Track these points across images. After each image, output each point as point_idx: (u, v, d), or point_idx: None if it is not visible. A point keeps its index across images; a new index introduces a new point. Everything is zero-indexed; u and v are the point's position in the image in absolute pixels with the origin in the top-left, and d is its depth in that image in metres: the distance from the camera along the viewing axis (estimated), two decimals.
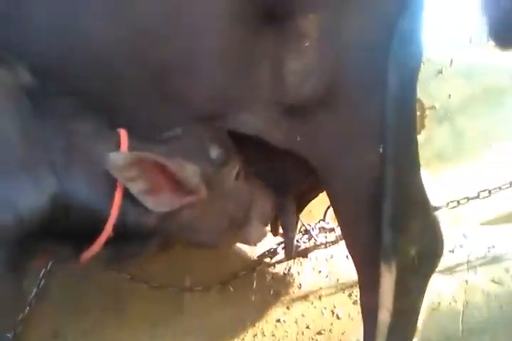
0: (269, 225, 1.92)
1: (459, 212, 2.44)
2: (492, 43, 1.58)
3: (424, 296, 1.61)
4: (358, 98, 1.43)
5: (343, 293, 2.33)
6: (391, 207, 1.41)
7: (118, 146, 1.31)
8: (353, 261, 1.63)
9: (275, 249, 2.38)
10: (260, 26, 1.41)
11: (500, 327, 2.12)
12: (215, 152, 1.43)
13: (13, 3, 1.42)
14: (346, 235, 1.67)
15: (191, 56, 1.43)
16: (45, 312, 2.25)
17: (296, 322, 2.28)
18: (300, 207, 2.00)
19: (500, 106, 2.98)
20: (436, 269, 1.60)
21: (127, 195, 1.28)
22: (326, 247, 2.44)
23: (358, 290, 1.71)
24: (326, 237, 2.43)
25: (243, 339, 2.23)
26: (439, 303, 2.22)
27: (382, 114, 1.38)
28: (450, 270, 2.32)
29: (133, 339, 2.22)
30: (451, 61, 2.86)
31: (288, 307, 2.31)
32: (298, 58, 1.41)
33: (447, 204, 2.33)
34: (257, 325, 2.27)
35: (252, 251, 2.40)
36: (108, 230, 1.30)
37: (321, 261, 2.43)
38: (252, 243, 1.75)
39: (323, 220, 2.43)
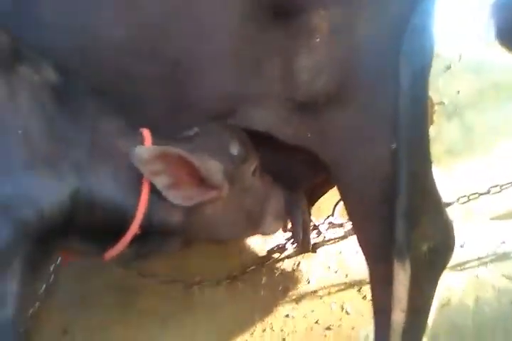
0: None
1: (470, 208, 2.43)
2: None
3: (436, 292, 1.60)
4: (370, 93, 1.42)
5: (352, 288, 2.33)
6: (404, 202, 1.40)
7: (141, 143, 1.33)
8: (365, 257, 1.62)
9: (284, 245, 2.38)
10: (271, 22, 1.41)
11: (511, 323, 2.12)
12: (235, 149, 1.46)
13: (24, 2, 1.43)
14: (357, 231, 1.66)
15: (202, 54, 1.43)
16: (54, 307, 2.26)
17: (305, 317, 2.28)
18: (311, 203, 2.00)
19: (509, 101, 2.95)
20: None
21: (153, 191, 1.30)
22: (335, 243, 2.44)
23: (368, 285, 1.71)
24: (334, 233, 2.43)
25: (252, 334, 2.24)
26: (450, 299, 2.21)
27: (394, 109, 1.38)
28: (460, 265, 2.31)
29: (142, 335, 2.23)
30: (460, 56, 2.84)
31: (297, 303, 2.31)
32: (309, 54, 1.41)
33: (458, 199, 2.31)
34: (266, 320, 2.27)
35: (261, 247, 2.40)
36: (135, 228, 1.31)
37: (330, 257, 2.43)
38: (267, 234, 1.80)
39: (332, 216, 2.42)
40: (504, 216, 2.51)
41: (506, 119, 2.90)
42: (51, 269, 2.25)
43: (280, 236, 2.34)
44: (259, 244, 2.41)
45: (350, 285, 2.34)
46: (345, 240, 2.43)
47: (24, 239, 1.15)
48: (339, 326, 2.24)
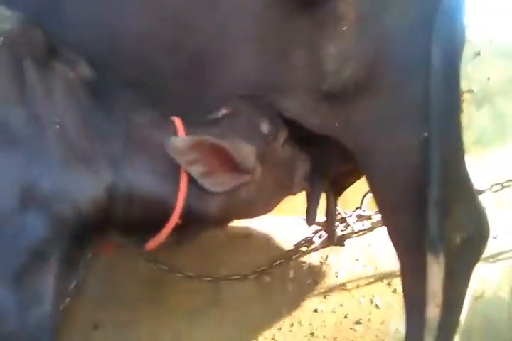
0: (305, 214, 1.90)
1: (502, 196, 2.37)
2: None
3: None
4: (400, 81, 1.40)
5: (382, 281, 2.30)
6: (436, 191, 1.37)
7: (175, 133, 1.34)
8: (395, 249, 1.59)
9: (311, 238, 2.35)
10: (297, 10, 1.39)
11: None
12: (266, 127, 1.46)
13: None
14: (388, 222, 1.62)
15: (227, 43, 1.43)
16: (84, 303, 2.28)
17: (333, 311, 2.26)
18: (337, 193, 1.97)
19: None
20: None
21: (190, 181, 1.32)
22: (363, 235, 2.40)
23: (397, 278, 1.67)
24: (363, 225, 2.39)
25: (280, 328, 2.23)
26: (483, 291, 2.16)
27: (426, 96, 1.34)
28: (494, 257, 2.25)
29: (171, 329, 2.24)
30: (490, 42, 2.76)
31: (325, 297, 2.29)
32: (336, 42, 1.39)
33: (491, 187, 2.25)
34: (293, 314, 2.26)
35: (288, 241, 2.38)
36: (175, 218, 1.33)
37: (358, 250, 2.39)
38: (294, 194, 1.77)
39: (360, 208, 2.39)
40: None
41: None
42: (81, 265, 2.27)
43: (307, 230, 2.31)
44: (286, 237, 2.39)
45: (379, 279, 2.31)
46: (373, 232, 2.39)
47: (61, 236, 1.17)
48: (369, 320, 2.22)
